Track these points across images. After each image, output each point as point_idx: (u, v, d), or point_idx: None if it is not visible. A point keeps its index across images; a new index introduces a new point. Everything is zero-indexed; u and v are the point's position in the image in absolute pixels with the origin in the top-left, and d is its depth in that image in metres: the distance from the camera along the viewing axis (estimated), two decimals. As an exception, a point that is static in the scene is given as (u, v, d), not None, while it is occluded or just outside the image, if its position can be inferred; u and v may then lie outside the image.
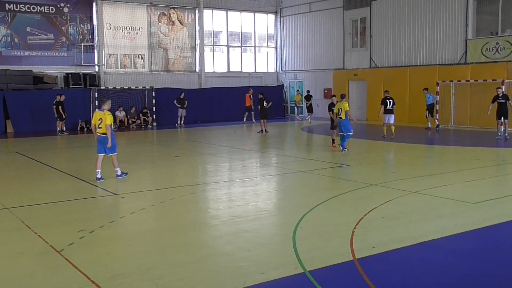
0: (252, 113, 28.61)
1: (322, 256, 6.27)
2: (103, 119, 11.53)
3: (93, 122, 11.85)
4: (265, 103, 23.33)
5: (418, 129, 23.63)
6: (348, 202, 9.40)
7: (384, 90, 21.69)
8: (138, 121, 28.13)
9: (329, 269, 5.84)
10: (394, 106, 19.68)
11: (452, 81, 24.34)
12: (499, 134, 19.43)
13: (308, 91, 31.26)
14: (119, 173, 12.02)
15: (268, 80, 35.12)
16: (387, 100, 19.57)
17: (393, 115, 19.71)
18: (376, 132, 22.08)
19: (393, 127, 19.65)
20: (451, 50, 25.33)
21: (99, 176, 11.66)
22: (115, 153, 11.89)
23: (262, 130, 22.88)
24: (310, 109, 29.89)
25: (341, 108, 15.94)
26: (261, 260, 6.19)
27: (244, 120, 28.96)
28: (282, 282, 5.52)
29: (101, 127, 11.58)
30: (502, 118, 19.22)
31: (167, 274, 5.73)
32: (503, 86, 20.74)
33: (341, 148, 15.88)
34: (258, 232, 7.46)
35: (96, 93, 26.97)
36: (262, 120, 23.15)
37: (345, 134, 15.88)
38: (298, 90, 33.04)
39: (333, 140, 17.38)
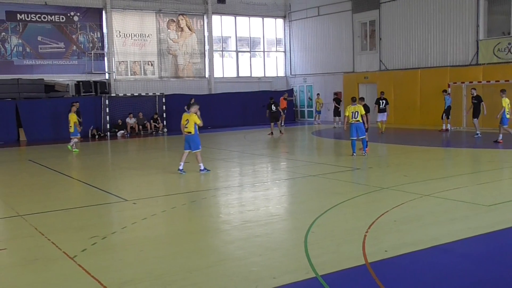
0: (283, 116, 28.14)
1: (334, 260, 6.24)
2: (189, 120, 13.00)
3: (182, 122, 13.27)
4: (273, 107, 23.72)
5: (430, 131, 23.49)
6: (359, 206, 9.35)
7: (380, 91, 23.07)
8: (147, 124, 28.17)
9: (341, 274, 5.81)
10: (387, 105, 22.78)
11: (463, 82, 24.18)
12: (478, 133, 20.50)
13: (337, 94, 30.81)
14: (202, 167, 13.28)
15: (278, 85, 35.12)
16: (380, 100, 22.78)
17: (385, 113, 22.85)
18: (386, 135, 22.00)
19: (384, 125, 22.48)
20: (462, 51, 25.19)
21: (181, 167, 13.10)
22: (199, 150, 13.22)
23: (272, 133, 23.30)
24: (338, 113, 28.53)
25: (357, 111, 15.54)
26: (273, 265, 6.17)
27: (282, 124, 28.33)
28: (294, 287, 5.49)
29: (187, 127, 13.05)
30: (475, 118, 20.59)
31: (179, 279, 5.73)
32: (476, 89, 21.65)
33: (364, 153, 15.59)
34: (270, 236, 7.44)
35: (107, 101, 27.14)
36: (272, 123, 23.60)
37: (362, 137, 15.69)
38: (318, 94, 32.37)
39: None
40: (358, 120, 15.51)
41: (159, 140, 25.19)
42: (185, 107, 27.93)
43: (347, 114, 15.90)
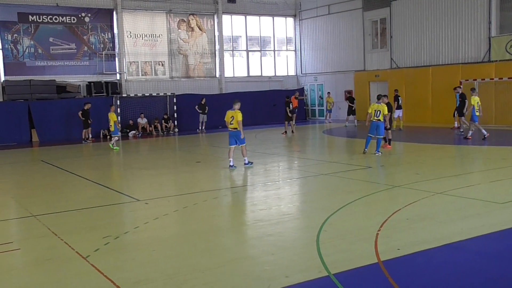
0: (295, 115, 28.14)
1: (347, 258, 6.22)
2: (234, 116, 13.74)
3: (225, 119, 14.01)
4: (291, 106, 23.81)
5: (442, 129, 23.35)
6: (371, 204, 9.32)
7: (394, 89, 23.27)
8: (158, 124, 28.27)
9: (354, 272, 5.79)
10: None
11: (475, 79, 24.00)
12: (461, 130, 20.93)
13: (350, 92, 30.67)
14: (246, 161, 14.16)
15: (288, 84, 35.08)
16: (399, 98, 23.49)
17: (402, 110, 23.88)
18: (398, 133, 21.89)
19: (401, 121, 23.24)
20: (474, 48, 24.99)
21: (231, 163, 13.81)
22: (244, 144, 14.03)
23: (286, 132, 23.31)
24: (353, 111, 28.28)
25: (380, 110, 15.52)
26: (285, 264, 6.17)
27: (294, 123, 28.30)
28: (306, 285, 5.49)
29: (232, 123, 13.81)
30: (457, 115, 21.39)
31: (192, 278, 5.74)
32: (462, 87, 22.16)
33: (376, 152, 15.51)
34: (282, 235, 7.44)
35: (118, 101, 27.27)
36: (286, 122, 23.64)
37: (379, 137, 15.64)
38: (329, 93, 32.25)
39: (389, 140, 17.17)
40: (380, 119, 15.52)
41: (170, 140, 25.27)
42: (196, 106, 28.21)
43: (370, 111, 15.91)
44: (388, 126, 16.48)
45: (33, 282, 5.94)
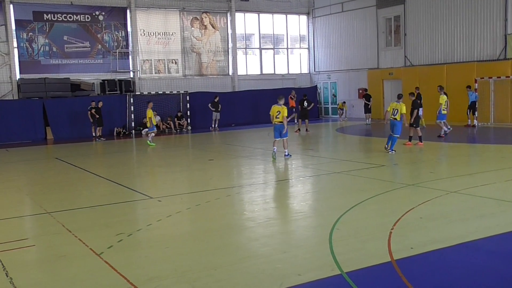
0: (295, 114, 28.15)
1: (359, 257, 6.20)
2: (280, 111, 14.78)
3: (271, 113, 15.06)
4: (305, 103, 23.73)
5: (456, 127, 23.14)
6: (384, 203, 9.27)
7: (415, 87, 22.87)
8: (171, 123, 28.36)
9: (367, 271, 5.77)
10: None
11: (491, 77, 23.76)
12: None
13: (365, 90, 30.37)
14: (286, 153, 15.32)
15: (302, 82, 35.00)
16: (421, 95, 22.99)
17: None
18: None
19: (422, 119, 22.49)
20: (489, 46, 24.72)
21: (275, 150, 15.13)
22: (286, 137, 15.19)
23: (299, 129, 23.24)
24: (369, 109, 28.06)
25: (397, 109, 15.58)
26: (298, 262, 6.16)
27: (295, 122, 28.12)
28: (319, 284, 5.48)
29: (278, 117, 14.82)
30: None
31: (204, 276, 5.76)
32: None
33: (390, 151, 15.47)
34: (294, 233, 7.43)
35: (132, 99, 27.41)
36: (300, 120, 23.59)
37: (394, 135, 15.59)
38: (344, 102, 31.82)
39: (410, 137, 17.22)
40: (396, 118, 15.58)
41: (184, 138, 25.35)
42: (209, 105, 28.24)
43: (388, 109, 16.11)
44: (407, 124, 16.50)
45: (47, 278, 6.00)
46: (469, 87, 23.29)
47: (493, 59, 24.46)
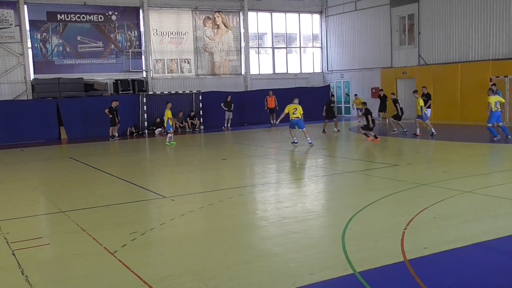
0: (274, 115, 28.26)
1: (372, 257, 6.18)
2: (297, 108, 18.08)
3: (286, 111, 18.21)
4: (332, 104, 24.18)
5: (470, 127, 22.96)
6: (398, 202, 9.23)
7: (422, 87, 23.16)
8: (185, 124, 28.48)
9: (380, 270, 5.75)
10: None
11: (506, 76, 23.51)
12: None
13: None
14: (310, 141, 17.89)
15: (314, 81, 34.92)
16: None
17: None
18: (425, 132, 21.58)
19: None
20: (505, 44, 24.45)
21: (296, 140, 18.28)
22: (304, 128, 18.15)
23: (324, 130, 23.07)
24: (384, 108, 26.66)
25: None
26: (311, 261, 6.16)
27: (274, 121, 27.77)
28: (331, 283, 5.47)
29: (295, 113, 18.03)
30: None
31: (217, 275, 5.78)
32: (426, 87, 23.43)
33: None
34: (307, 233, 7.42)
35: (145, 99, 27.54)
36: (327, 120, 23.32)
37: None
38: (356, 95, 31.01)
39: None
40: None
41: (196, 137, 25.42)
42: (222, 104, 28.31)
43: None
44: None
45: (62, 276, 6.05)
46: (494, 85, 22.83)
47: (509, 58, 24.18)
